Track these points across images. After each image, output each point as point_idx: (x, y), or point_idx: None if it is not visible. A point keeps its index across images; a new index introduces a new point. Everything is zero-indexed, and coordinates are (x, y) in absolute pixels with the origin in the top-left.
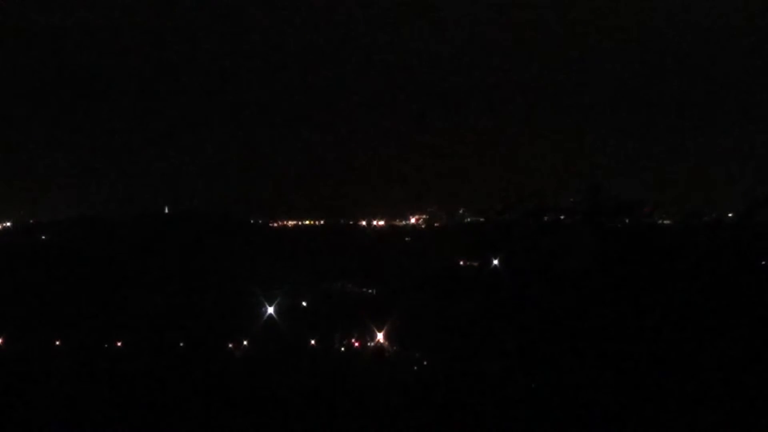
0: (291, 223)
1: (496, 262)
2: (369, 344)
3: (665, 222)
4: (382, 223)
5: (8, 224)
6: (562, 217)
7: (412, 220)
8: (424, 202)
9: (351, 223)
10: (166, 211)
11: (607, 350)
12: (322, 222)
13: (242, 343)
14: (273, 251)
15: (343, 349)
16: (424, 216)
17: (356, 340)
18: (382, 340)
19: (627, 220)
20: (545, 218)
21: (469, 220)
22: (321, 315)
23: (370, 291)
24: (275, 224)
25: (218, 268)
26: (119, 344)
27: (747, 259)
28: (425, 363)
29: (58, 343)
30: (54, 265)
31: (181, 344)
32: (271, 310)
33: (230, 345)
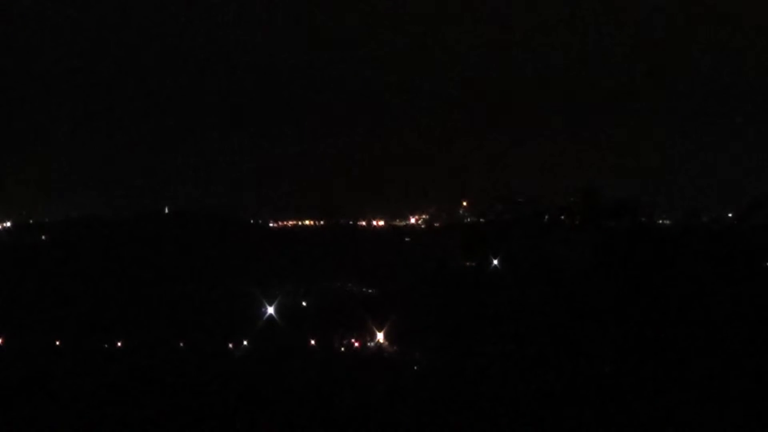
0: (291, 223)
1: (495, 262)
2: (369, 344)
3: (665, 222)
4: (381, 223)
5: (8, 224)
6: (562, 217)
7: (412, 220)
8: (424, 202)
9: (351, 223)
10: (166, 211)
11: (606, 350)
12: (322, 222)
13: (242, 343)
14: (273, 251)
15: (343, 349)
16: (424, 216)
17: (356, 340)
18: (382, 340)
19: (626, 221)
20: (545, 218)
21: (469, 220)
22: (321, 315)
23: (370, 291)
24: (275, 224)
25: (218, 267)
26: (119, 344)
27: (746, 260)
28: (425, 363)
29: (58, 343)
30: (54, 265)
31: (181, 344)
32: (271, 310)
33: (230, 345)
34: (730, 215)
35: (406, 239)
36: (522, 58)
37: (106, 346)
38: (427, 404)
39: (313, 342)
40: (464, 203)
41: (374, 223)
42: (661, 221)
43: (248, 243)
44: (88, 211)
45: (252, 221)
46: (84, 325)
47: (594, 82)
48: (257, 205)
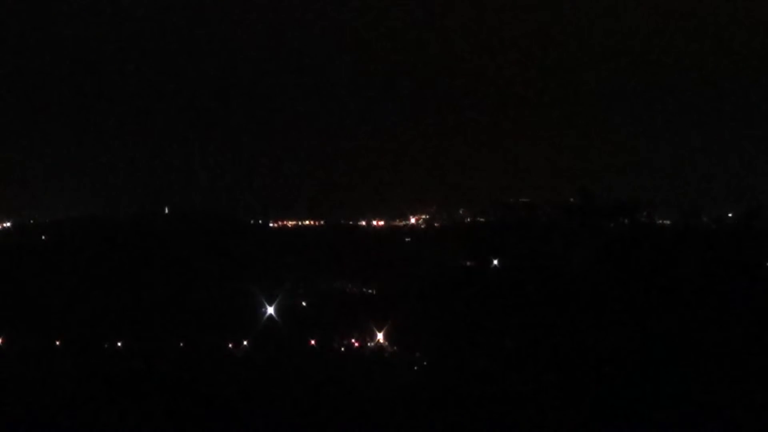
0: (291, 223)
1: (495, 262)
2: (369, 344)
3: (664, 222)
4: (382, 223)
5: (8, 224)
6: (561, 217)
7: (412, 220)
8: (424, 202)
9: (351, 223)
10: (166, 211)
11: (606, 349)
12: (322, 222)
13: (242, 343)
14: (273, 251)
15: (343, 349)
16: (424, 216)
17: (356, 340)
18: (382, 340)
19: (626, 221)
20: (544, 219)
21: (469, 220)
22: (321, 315)
23: (370, 291)
24: (275, 224)
25: (218, 268)
26: (119, 344)
27: (746, 260)
28: (425, 363)
29: (58, 343)
30: (54, 265)
31: (181, 344)
32: (271, 310)
33: (230, 345)
34: (730, 215)
35: (406, 239)
36: (522, 58)
37: (106, 346)
38: (427, 404)
39: (313, 342)
40: (464, 204)
41: (374, 223)
42: (661, 221)
43: (248, 243)
44: (88, 211)
45: (252, 221)
46: (84, 325)
47: (594, 82)
48: (257, 205)
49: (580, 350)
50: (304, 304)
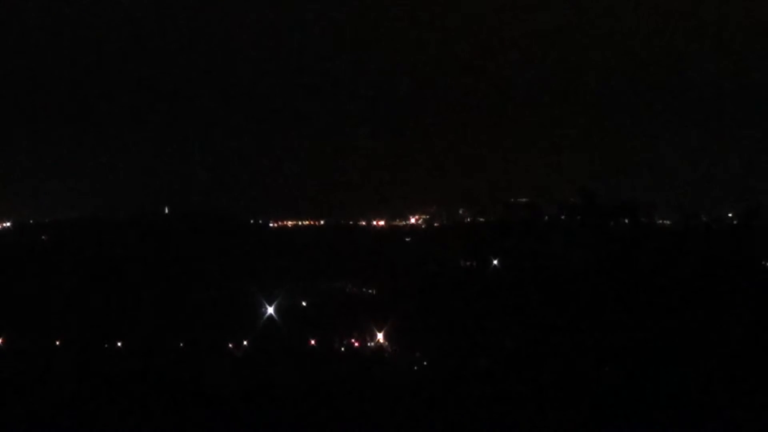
0: (291, 223)
1: (495, 262)
2: (369, 344)
3: (665, 222)
4: (382, 223)
5: (8, 224)
6: (562, 217)
7: (412, 220)
8: (424, 202)
9: (351, 223)
10: (166, 211)
11: (606, 350)
12: (322, 222)
13: (242, 343)
14: (273, 251)
15: (343, 349)
16: (424, 216)
17: (356, 340)
18: (382, 340)
19: (626, 221)
20: (545, 219)
21: (469, 220)
22: (321, 315)
23: (370, 291)
24: (275, 224)
25: (218, 268)
26: (119, 344)
27: (746, 260)
28: (425, 363)
29: (58, 343)
30: (54, 265)
31: (181, 344)
32: (271, 310)
33: (230, 345)
34: (729, 215)
35: (406, 239)
36: (522, 58)
37: (106, 346)
38: (427, 404)
39: (313, 342)
40: (464, 204)
41: (374, 223)
42: (661, 221)
43: (248, 243)
44: (88, 211)
45: (252, 221)
46: (84, 325)
47: (594, 83)
48: (257, 205)
49: (580, 350)
50: (304, 304)
